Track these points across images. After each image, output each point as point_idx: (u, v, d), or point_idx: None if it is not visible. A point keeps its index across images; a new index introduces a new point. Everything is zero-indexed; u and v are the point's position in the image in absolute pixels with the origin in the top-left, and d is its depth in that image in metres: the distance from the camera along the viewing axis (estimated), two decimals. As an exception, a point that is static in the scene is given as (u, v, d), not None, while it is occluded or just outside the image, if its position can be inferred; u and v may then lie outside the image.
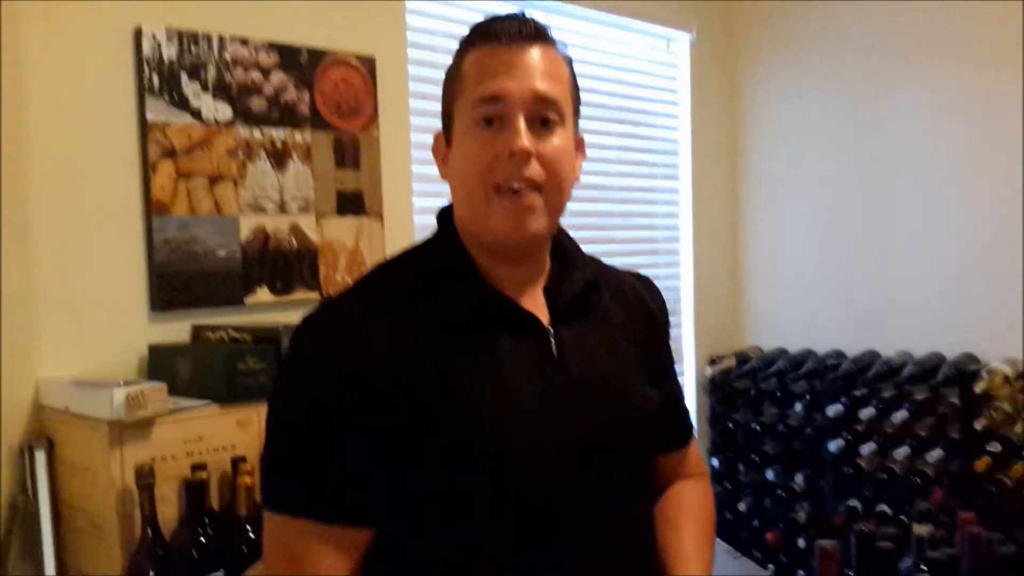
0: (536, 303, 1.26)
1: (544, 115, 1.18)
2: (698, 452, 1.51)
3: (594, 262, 1.39)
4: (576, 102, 1.26)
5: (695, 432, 1.52)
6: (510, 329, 1.21)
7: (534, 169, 1.17)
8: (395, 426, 1.12)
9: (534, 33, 1.20)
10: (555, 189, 1.20)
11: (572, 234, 1.35)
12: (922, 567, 1.49)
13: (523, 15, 1.22)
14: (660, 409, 1.34)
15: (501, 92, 1.17)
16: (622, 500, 1.24)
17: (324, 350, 1.15)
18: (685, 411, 1.49)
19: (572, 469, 1.18)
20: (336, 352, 1.14)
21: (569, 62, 1.25)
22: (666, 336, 1.44)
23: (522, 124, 1.16)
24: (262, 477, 1.18)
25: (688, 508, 1.39)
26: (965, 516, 1.55)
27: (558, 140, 1.20)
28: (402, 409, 1.12)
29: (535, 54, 1.19)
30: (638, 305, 1.38)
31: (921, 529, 1.58)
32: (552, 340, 1.23)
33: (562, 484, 1.17)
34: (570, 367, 1.22)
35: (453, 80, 1.23)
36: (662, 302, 1.45)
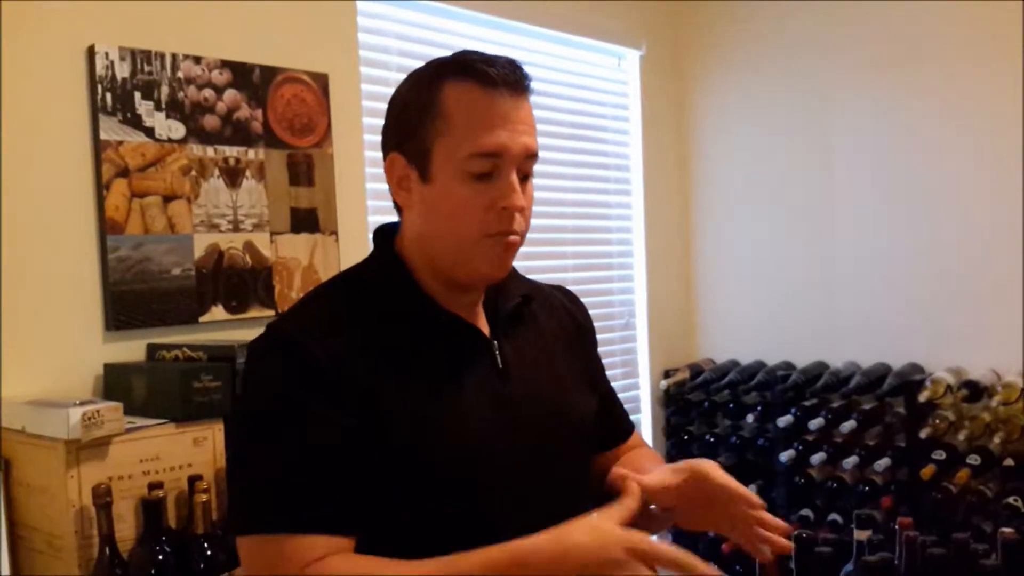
0: (478, 318, 1.32)
1: (527, 170, 1.24)
2: (642, 440, 1.59)
3: (525, 278, 1.46)
4: None
5: (636, 427, 1.59)
6: (458, 344, 1.27)
7: (519, 221, 1.23)
8: (362, 439, 1.15)
9: (525, 84, 1.23)
10: (525, 233, 1.27)
11: (528, 248, 1.41)
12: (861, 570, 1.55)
13: (514, 61, 1.23)
14: (596, 413, 1.42)
15: (499, 149, 1.19)
16: (566, 501, 1.28)
17: (283, 372, 1.17)
18: (622, 409, 1.57)
19: (519, 475, 1.23)
20: (295, 372, 1.16)
21: None
22: (594, 342, 1.52)
23: (515, 180, 1.21)
24: (237, 503, 1.19)
25: (635, 454, 1.49)
26: (903, 521, 1.61)
27: (530, 189, 1.26)
28: (362, 421, 1.16)
29: (525, 107, 1.23)
30: (567, 317, 1.46)
31: (862, 534, 1.63)
32: (496, 353, 1.29)
33: (510, 489, 1.22)
34: (513, 377, 1.28)
35: (431, 112, 1.23)
36: (586, 312, 1.53)
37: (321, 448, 1.14)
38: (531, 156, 1.23)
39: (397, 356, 1.21)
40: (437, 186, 1.23)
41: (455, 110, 1.21)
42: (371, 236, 2.82)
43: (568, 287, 1.57)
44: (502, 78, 1.20)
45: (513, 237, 1.24)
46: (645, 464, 1.43)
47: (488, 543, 1.14)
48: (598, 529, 1.10)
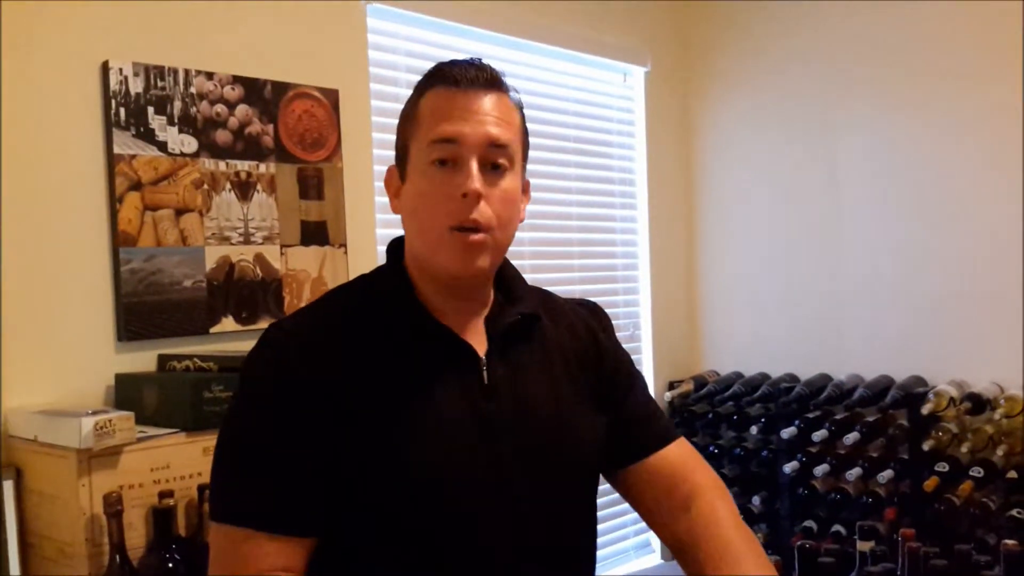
0: (476, 334, 1.31)
1: (495, 160, 1.25)
2: (695, 454, 1.44)
3: (538, 293, 1.44)
4: (525, 148, 1.33)
5: (677, 434, 1.44)
6: (444, 357, 1.26)
7: (483, 211, 1.22)
8: (329, 445, 1.17)
9: (490, 80, 1.27)
10: (501, 229, 1.26)
11: (534, 262, 1.40)
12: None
13: (480, 62, 1.28)
14: (602, 437, 1.37)
15: (456, 135, 1.22)
16: (547, 524, 1.27)
17: (265, 376, 1.21)
18: (658, 415, 1.46)
19: (493, 497, 1.22)
20: (275, 377, 1.20)
21: (520, 109, 1.32)
22: (617, 357, 1.46)
23: (475, 167, 1.22)
24: (210, 491, 1.23)
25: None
26: (906, 532, 1.62)
27: (506, 183, 1.26)
28: (333, 431, 1.17)
29: (490, 100, 1.25)
30: (586, 333, 1.42)
31: (864, 545, 1.65)
32: (484, 370, 1.27)
33: (483, 512, 1.21)
34: (500, 397, 1.26)
35: (410, 119, 1.29)
36: (609, 325, 1.50)
37: (285, 451, 1.17)
38: (497, 145, 1.24)
39: (378, 366, 1.23)
40: (409, 183, 1.27)
41: (424, 111, 1.26)
42: (379, 249, 2.86)
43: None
44: (464, 76, 1.25)
45: (476, 236, 1.23)
46: None
47: (455, 559, 1.18)
48: None
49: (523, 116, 1.33)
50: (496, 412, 1.25)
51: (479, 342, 1.29)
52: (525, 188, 1.34)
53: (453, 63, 1.28)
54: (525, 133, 1.33)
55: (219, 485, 1.21)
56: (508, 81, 1.31)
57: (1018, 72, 3.15)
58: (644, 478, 1.40)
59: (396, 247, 1.36)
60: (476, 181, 1.21)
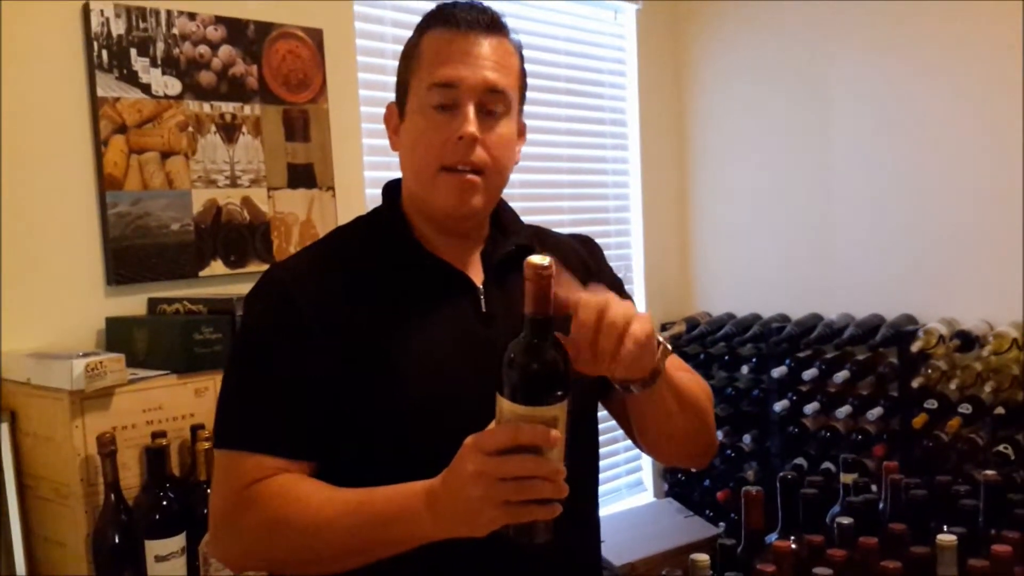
0: (473, 266, 1.35)
1: (492, 106, 1.27)
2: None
3: (532, 228, 1.47)
4: (523, 91, 1.35)
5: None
6: (441, 287, 1.30)
7: (479, 154, 1.26)
8: (328, 373, 1.22)
9: (491, 23, 1.28)
10: (496, 173, 1.29)
11: (524, 204, 1.41)
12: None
13: (481, 4, 1.30)
14: None
15: (455, 79, 1.25)
16: None
17: (263, 309, 1.27)
18: None
19: (492, 419, 1.25)
20: (272, 310, 1.25)
21: (519, 52, 1.33)
22: (610, 283, 1.43)
23: (471, 111, 1.25)
24: (215, 421, 1.28)
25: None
26: (888, 464, 1.65)
27: (503, 128, 1.29)
28: (331, 357, 1.22)
29: (489, 44, 1.27)
30: (577, 262, 1.44)
31: (848, 477, 1.67)
32: (482, 298, 1.32)
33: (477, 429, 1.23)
34: (498, 324, 1.30)
35: (410, 57, 1.31)
36: (600, 256, 1.53)
37: (284, 380, 1.22)
38: (494, 91, 1.27)
39: (377, 298, 1.27)
40: (407, 121, 1.31)
41: (426, 51, 1.29)
42: (367, 192, 2.83)
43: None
44: (466, 19, 1.27)
45: (471, 176, 1.26)
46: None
47: None
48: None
49: (522, 59, 1.35)
50: (494, 338, 1.27)
51: (476, 273, 1.34)
52: (521, 131, 1.37)
53: (455, 4, 1.30)
54: (523, 76, 1.35)
55: (222, 414, 1.26)
56: (508, 24, 1.32)
57: (1018, 11, 3.12)
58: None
59: (392, 188, 1.39)
60: (472, 125, 1.25)
